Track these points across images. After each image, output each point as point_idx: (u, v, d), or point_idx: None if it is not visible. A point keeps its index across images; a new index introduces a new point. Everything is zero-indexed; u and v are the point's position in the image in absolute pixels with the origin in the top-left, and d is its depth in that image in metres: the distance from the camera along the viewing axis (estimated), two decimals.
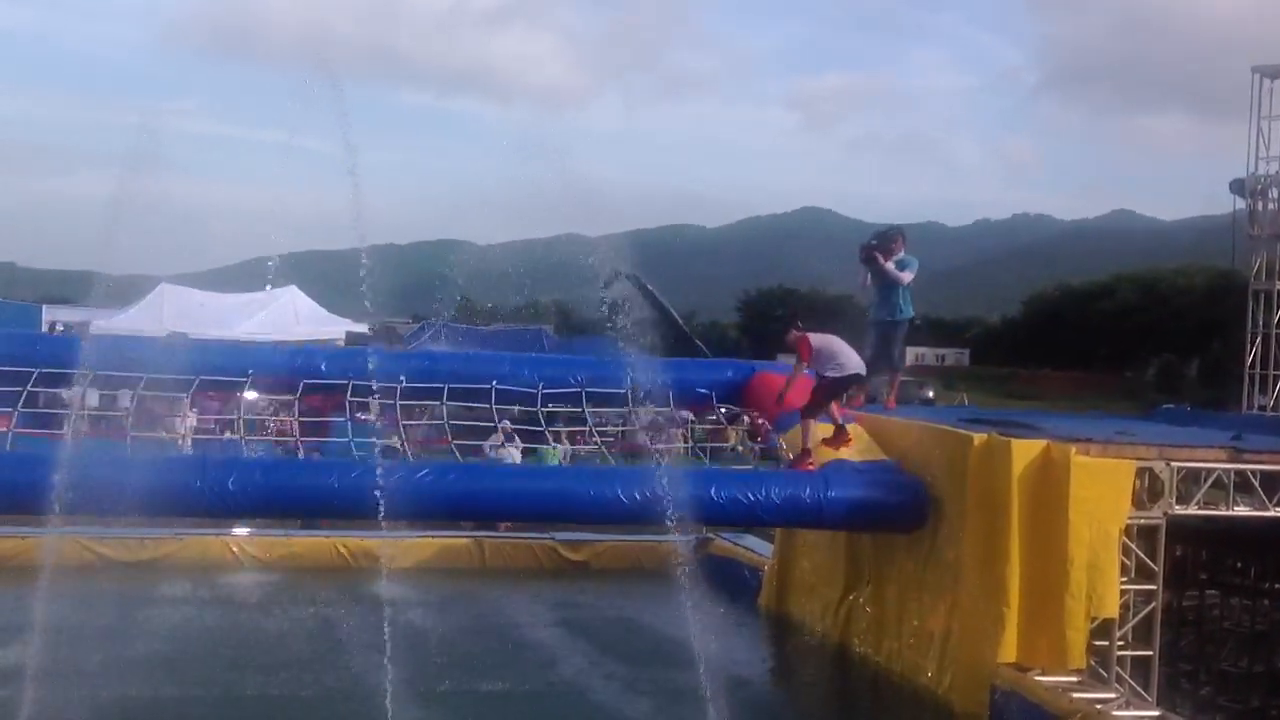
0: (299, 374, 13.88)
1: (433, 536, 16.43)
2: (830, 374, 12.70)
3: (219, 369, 13.14)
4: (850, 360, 12.85)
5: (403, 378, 14.24)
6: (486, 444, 20.83)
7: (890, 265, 13.86)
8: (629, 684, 12.16)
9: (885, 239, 14.18)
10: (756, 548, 15.97)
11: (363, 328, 32.35)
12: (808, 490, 11.83)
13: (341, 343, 31.46)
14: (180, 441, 18.88)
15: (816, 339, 12.82)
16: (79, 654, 11.06)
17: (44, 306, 26.36)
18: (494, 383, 14.32)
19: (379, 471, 10.80)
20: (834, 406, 13.00)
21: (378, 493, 10.43)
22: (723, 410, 16.69)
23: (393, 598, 13.16)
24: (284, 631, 13.48)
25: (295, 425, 16.08)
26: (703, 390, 15.79)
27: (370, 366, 12.44)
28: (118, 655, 11.75)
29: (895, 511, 12.09)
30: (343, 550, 16.51)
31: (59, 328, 26.56)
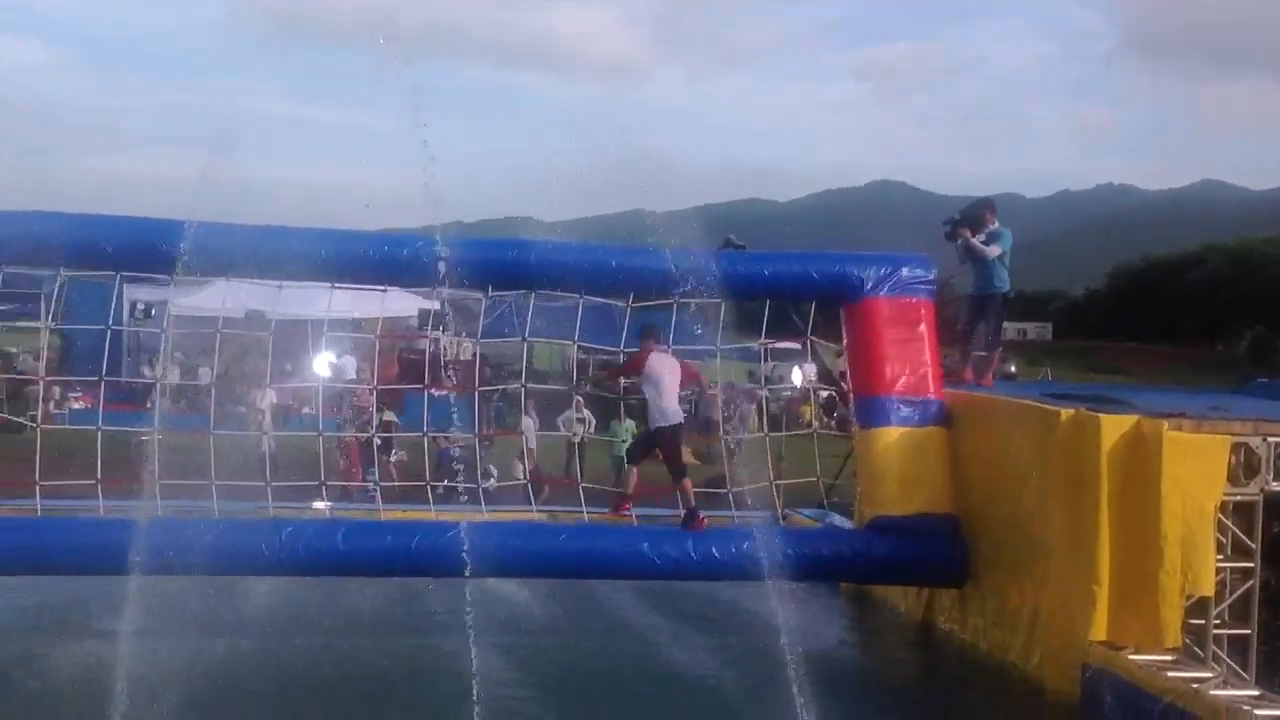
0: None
1: (507, 510, 16.36)
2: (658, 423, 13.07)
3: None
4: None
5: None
6: (560, 418, 20.84)
7: (976, 240, 13.59)
8: (712, 655, 12.17)
9: (973, 212, 13.89)
10: (837, 523, 15.74)
11: (435, 304, 32.38)
12: (849, 548, 12.74)
13: (414, 321, 31.54)
14: (260, 418, 19.10)
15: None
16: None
17: (125, 285, 26.68)
18: (575, 342, 14.14)
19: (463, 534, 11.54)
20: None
21: (464, 554, 11.10)
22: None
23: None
24: (376, 602, 13.50)
25: (372, 400, 16.18)
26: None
27: (444, 254, 12.15)
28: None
29: (935, 571, 12.79)
30: None
31: (139, 307, 26.85)
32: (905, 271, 13.43)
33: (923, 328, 13.26)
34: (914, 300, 13.34)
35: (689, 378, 13.53)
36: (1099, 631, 10.53)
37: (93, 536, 11.65)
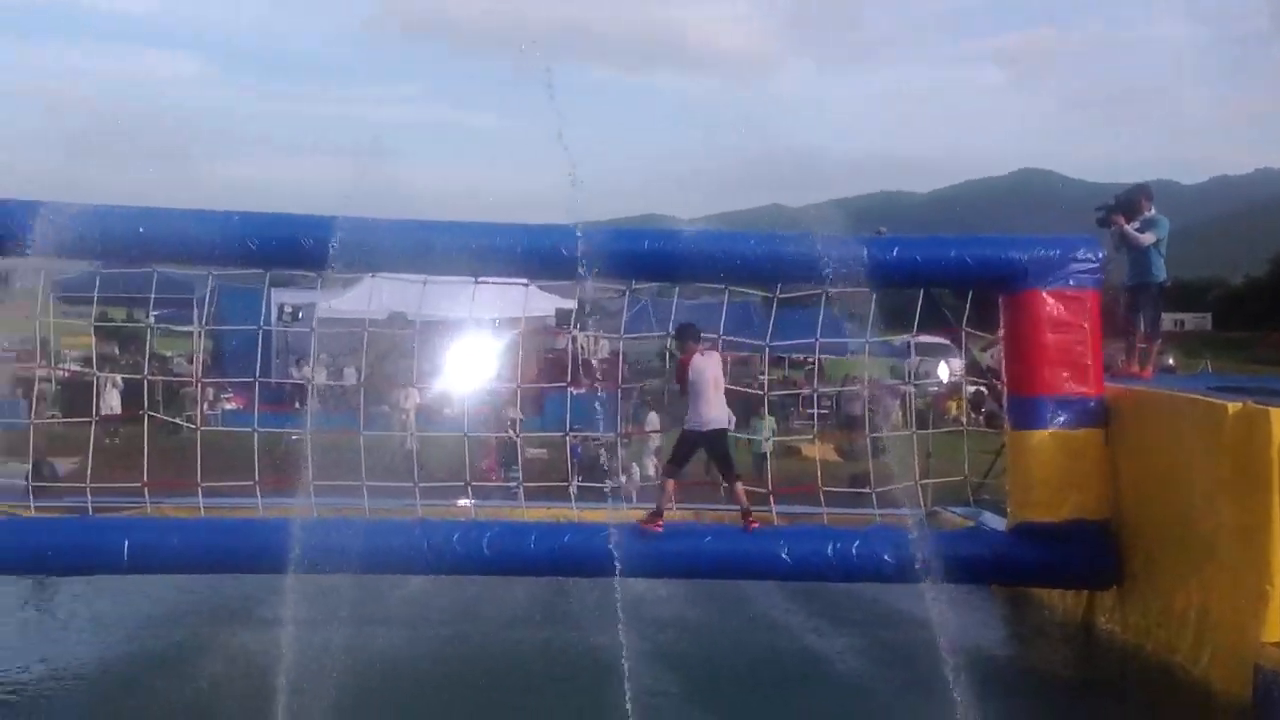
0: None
1: (644, 508, 16.29)
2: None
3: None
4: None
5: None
6: None
7: (1131, 227, 13.09)
8: (864, 655, 12.08)
9: (1128, 198, 13.42)
10: (989, 522, 15.35)
11: (572, 303, 32.53)
12: (991, 550, 12.55)
13: (552, 320, 31.71)
14: (404, 417, 19.36)
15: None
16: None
17: (271, 290, 27.34)
18: (719, 336, 13.90)
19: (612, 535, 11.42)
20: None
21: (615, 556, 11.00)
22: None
23: None
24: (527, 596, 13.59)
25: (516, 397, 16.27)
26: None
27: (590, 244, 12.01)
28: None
29: (1082, 576, 12.58)
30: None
31: (286, 310, 27.51)
32: (1073, 256, 12.48)
33: (1089, 322, 12.47)
34: (1081, 292, 12.46)
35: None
36: (1273, 632, 10.04)
37: (252, 537, 11.92)
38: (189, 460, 12.98)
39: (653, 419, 18.42)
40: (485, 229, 12.66)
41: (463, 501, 13.51)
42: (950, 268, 12.80)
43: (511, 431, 17.53)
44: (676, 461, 12.68)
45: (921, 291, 13.45)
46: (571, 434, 14.83)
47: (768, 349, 14.10)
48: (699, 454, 12.84)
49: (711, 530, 12.87)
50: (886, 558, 12.05)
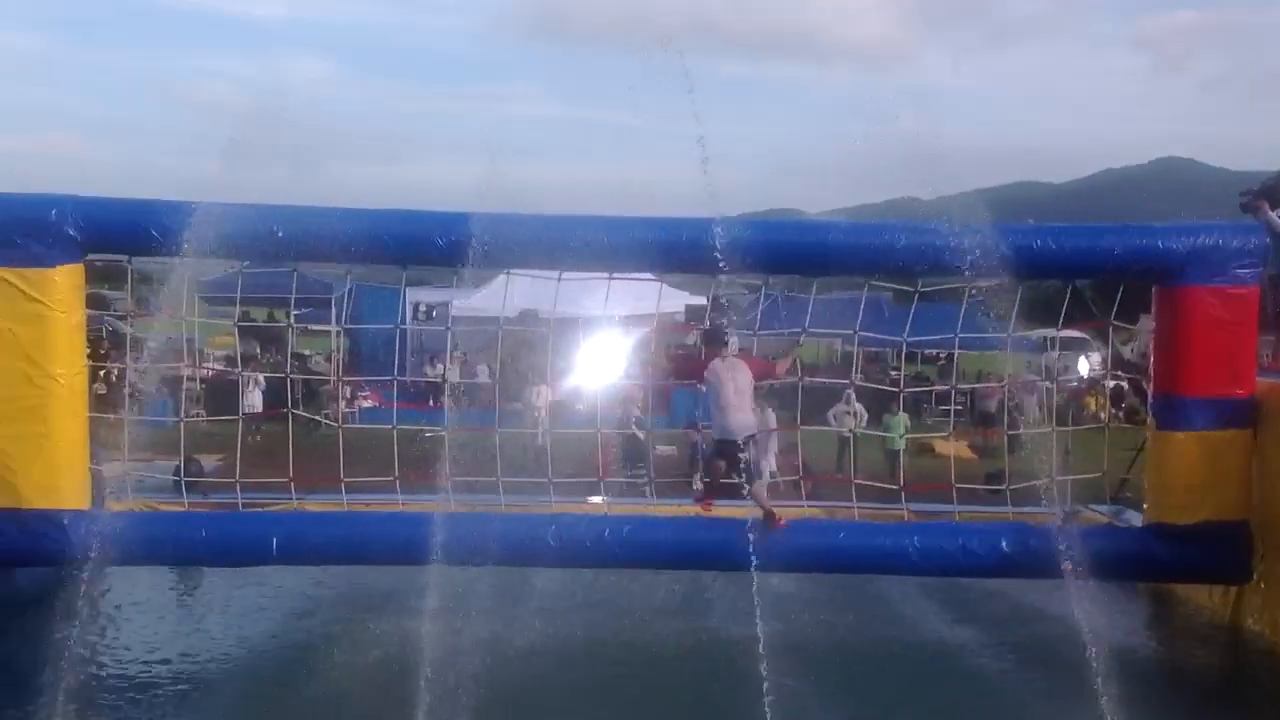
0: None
1: (783, 507, 16.20)
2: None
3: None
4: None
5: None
6: (830, 412, 20.58)
7: (1276, 214, 12.62)
8: (1004, 650, 12.06)
9: (1274, 184, 12.92)
10: (1131, 520, 14.96)
11: (701, 300, 32.59)
12: (1119, 547, 12.26)
13: (681, 316, 31.77)
14: (537, 414, 19.56)
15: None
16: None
17: (407, 289, 27.99)
18: (855, 332, 13.72)
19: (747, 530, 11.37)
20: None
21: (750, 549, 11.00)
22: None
23: None
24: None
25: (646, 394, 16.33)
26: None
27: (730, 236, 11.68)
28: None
29: (1212, 574, 12.48)
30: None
31: (421, 308, 28.05)
32: (1235, 247, 11.81)
33: (1247, 320, 11.91)
34: (1241, 289, 11.80)
35: (762, 374, 12.75)
36: None
37: (395, 529, 12.13)
38: (328, 457, 13.30)
39: (770, 417, 18.31)
40: (621, 222, 12.55)
41: (595, 499, 13.61)
42: (1104, 259, 12.19)
43: (636, 428, 17.62)
44: (713, 483, 12.43)
45: (1069, 284, 13.09)
46: (691, 430, 14.81)
47: (904, 344, 13.87)
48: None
49: (844, 526, 12.81)
50: (1014, 552, 11.94)
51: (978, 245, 11.60)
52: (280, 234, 11.92)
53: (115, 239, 12.13)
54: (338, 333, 16.17)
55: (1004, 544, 12.05)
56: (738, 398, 11.93)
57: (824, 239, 12.65)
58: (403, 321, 19.25)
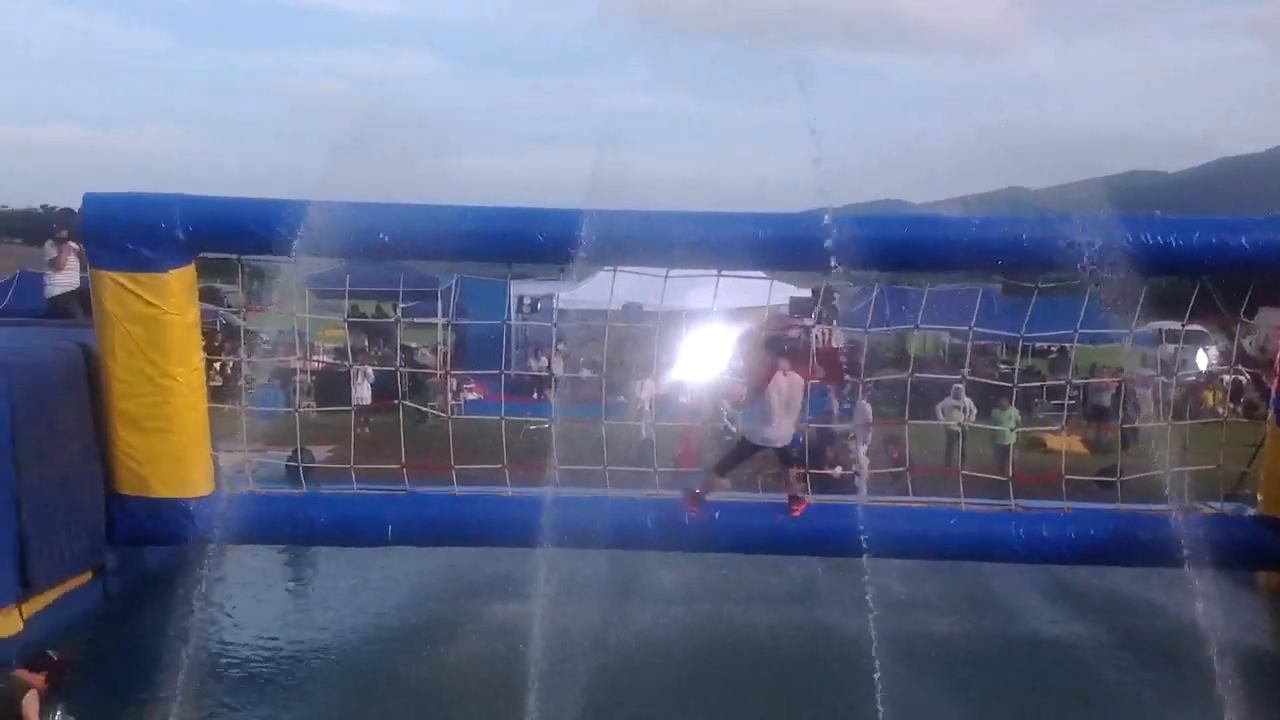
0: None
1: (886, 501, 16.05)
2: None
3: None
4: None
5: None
6: (939, 406, 20.28)
7: None
8: (1125, 650, 11.97)
9: None
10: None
11: (805, 292, 32.33)
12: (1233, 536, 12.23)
13: (785, 309, 31.56)
14: (641, 407, 19.57)
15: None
16: None
17: (510, 282, 28.23)
18: (970, 328, 13.51)
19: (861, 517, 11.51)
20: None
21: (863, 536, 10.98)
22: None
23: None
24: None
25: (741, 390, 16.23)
26: None
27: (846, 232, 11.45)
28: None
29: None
30: None
31: (525, 302, 28.25)
32: None
33: None
34: None
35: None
36: None
37: (505, 512, 12.36)
38: (435, 449, 13.48)
39: (865, 410, 18.14)
40: (730, 219, 12.43)
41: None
42: (1234, 255, 11.77)
43: (729, 422, 17.54)
44: (725, 466, 12.63)
45: (1197, 280, 12.70)
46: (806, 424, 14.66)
47: (1021, 339, 13.63)
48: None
49: (955, 514, 12.76)
50: (1123, 540, 12.02)
51: (1104, 241, 11.24)
52: (386, 234, 12.02)
53: (225, 239, 12.34)
54: (443, 326, 16.29)
55: (1112, 532, 12.06)
56: (785, 413, 12.14)
57: (944, 234, 12.30)
58: (509, 315, 19.43)
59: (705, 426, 17.98)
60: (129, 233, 11.67)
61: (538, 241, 12.13)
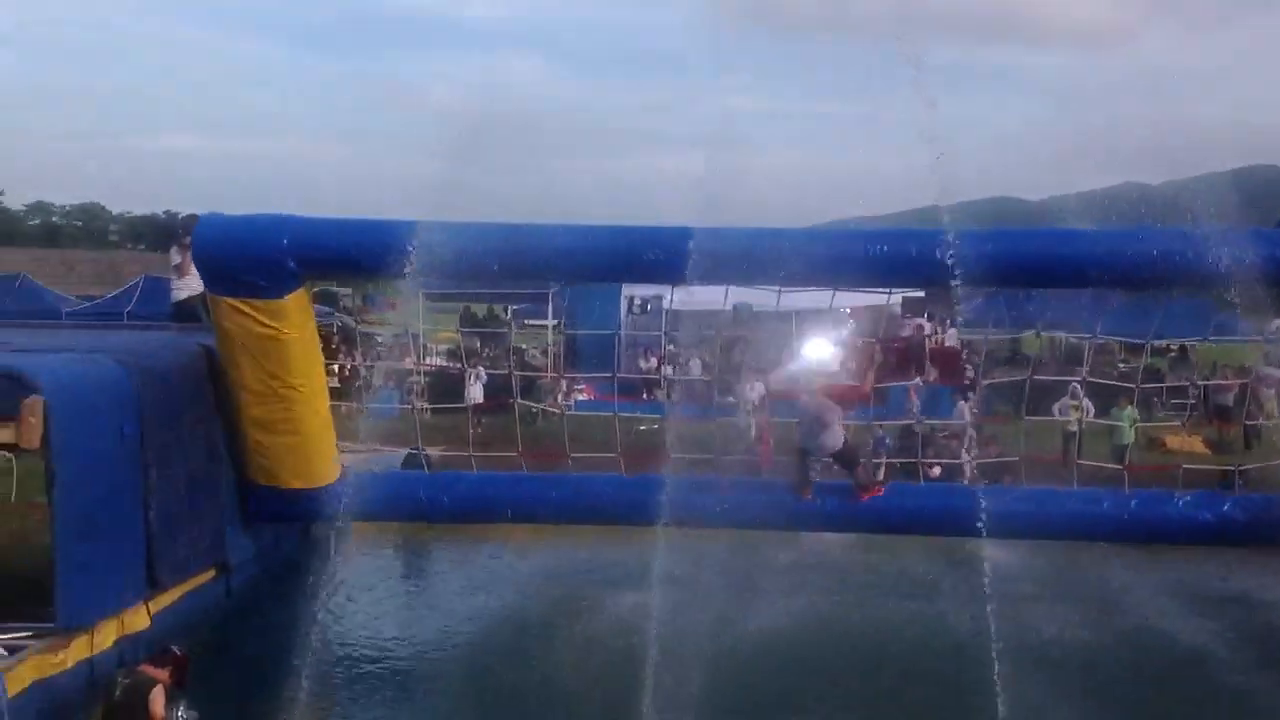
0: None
1: None
2: None
3: None
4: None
5: None
6: (1055, 405, 19.92)
7: None
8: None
9: None
10: None
11: (919, 292, 31.94)
12: None
13: (897, 308, 31.25)
14: (749, 408, 19.54)
15: None
16: None
17: (622, 283, 28.41)
18: (1096, 335, 13.29)
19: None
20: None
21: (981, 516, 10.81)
22: None
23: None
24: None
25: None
26: None
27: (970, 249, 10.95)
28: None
29: None
30: None
31: (635, 303, 28.40)
32: None
33: None
34: None
35: (845, 395, 12.79)
36: None
37: (624, 492, 12.62)
38: (545, 447, 13.64)
39: (962, 409, 17.91)
40: (843, 236, 12.29)
41: None
42: None
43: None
44: (802, 480, 12.57)
45: None
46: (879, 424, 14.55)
47: (1150, 343, 13.35)
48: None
49: (1070, 494, 12.77)
50: (1234, 518, 11.93)
51: (1239, 255, 10.79)
52: (496, 260, 12.07)
53: (335, 265, 12.55)
54: (554, 327, 16.48)
55: (1225, 510, 11.93)
56: (823, 425, 12.29)
57: (1073, 251, 11.71)
58: (618, 317, 19.53)
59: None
60: (242, 263, 11.65)
61: (646, 259, 11.97)
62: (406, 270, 11.13)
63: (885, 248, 11.65)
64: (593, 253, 12.13)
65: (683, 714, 9.05)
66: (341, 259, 12.19)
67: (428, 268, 11.23)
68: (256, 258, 11.67)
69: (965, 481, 14.55)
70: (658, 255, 11.77)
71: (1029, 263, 11.75)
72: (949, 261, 10.79)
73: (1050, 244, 11.85)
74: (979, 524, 10.74)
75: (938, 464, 16.03)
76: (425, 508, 13.18)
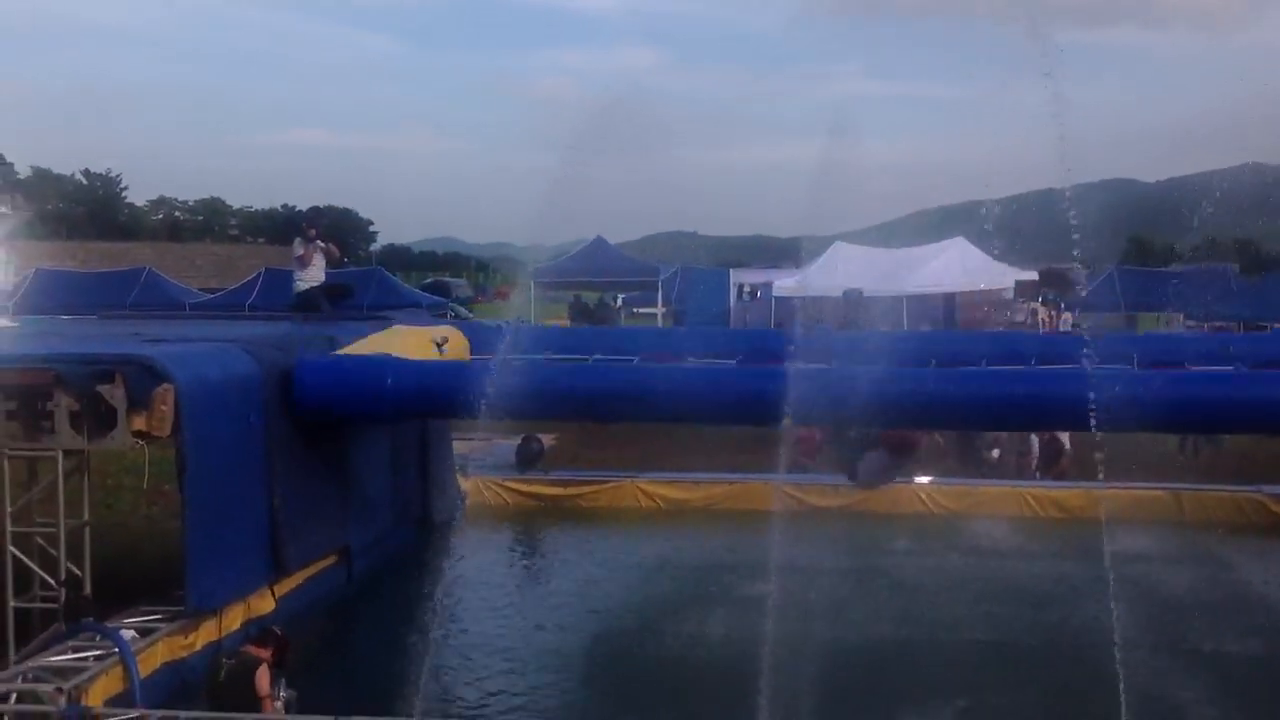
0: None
1: (1123, 489, 15.52)
2: None
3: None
4: None
5: None
6: None
7: None
8: None
9: None
10: None
11: (1032, 274, 31.36)
12: None
13: (1009, 293, 30.72)
14: None
15: None
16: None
17: (730, 270, 28.37)
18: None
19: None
20: None
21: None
22: None
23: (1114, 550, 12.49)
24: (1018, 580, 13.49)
25: None
26: None
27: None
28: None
29: None
30: (1031, 500, 16.21)
31: (745, 290, 28.36)
32: None
33: None
34: None
35: None
36: None
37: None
38: (651, 432, 13.62)
39: None
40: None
41: None
42: None
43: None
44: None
45: None
46: None
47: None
48: None
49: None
50: None
51: None
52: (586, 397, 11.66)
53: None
54: (664, 313, 16.55)
55: None
56: None
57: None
58: (726, 302, 19.51)
59: None
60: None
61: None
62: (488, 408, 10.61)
63: None
64: (691, 397, 11.30)
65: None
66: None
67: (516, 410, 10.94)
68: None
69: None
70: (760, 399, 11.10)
71: None
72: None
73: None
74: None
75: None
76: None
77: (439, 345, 13.24)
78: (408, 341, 13.08)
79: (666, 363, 12.69)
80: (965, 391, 11.35)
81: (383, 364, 11.81)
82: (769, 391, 10.61)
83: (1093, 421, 9.69)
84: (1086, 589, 11.90)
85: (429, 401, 11.81)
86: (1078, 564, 13.01)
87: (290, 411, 11.04)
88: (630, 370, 12.36)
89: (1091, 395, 9.69)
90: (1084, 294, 15.95)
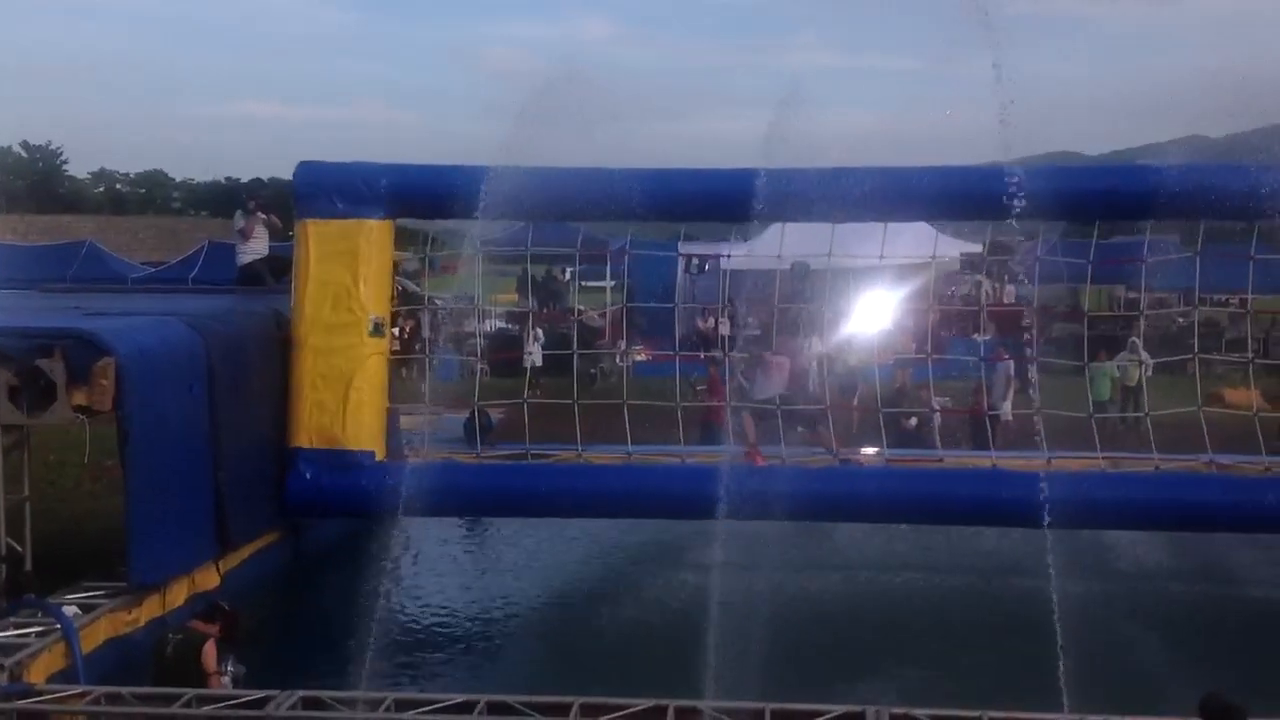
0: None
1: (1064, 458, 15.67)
2: None
3: None
4: None
5: None
6: (1114, 361, 19.77)
7: None
8: None
9: None
10: None
11: (976, 247, 31.60)
12: None
13: (955, 266, 30.94)
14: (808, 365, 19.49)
15: None
16: None
17: (679, 243, 28.37)
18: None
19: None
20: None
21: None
22: None
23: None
24: None
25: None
26: None
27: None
28: None
29: None
30: None
31: (693, 263, 28.36)
32: None
33: None
34: None
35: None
36: None
37: (673, 483, 12.36)
38: (606, 409, 13.67)
39: (1009, 365, 17.90)
40: (906, 174, 12.59)
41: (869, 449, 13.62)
42: None
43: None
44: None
45: None
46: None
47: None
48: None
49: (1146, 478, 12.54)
50: None
51: None
52: (575, 194, 12.34)
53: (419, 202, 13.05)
54: (612, 288, 16.57)
55: None
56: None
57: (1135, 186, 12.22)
58: (673, 278, 19.51)
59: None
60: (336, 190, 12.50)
61: (718, 200, 12.42)
62: (482, 205, 11.53)
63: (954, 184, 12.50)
64: (662, 194, 12.47)
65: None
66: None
67: (503, 206, 11.60)
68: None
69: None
70: (729, 195, 12.13)
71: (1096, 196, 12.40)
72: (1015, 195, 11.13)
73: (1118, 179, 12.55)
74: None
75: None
76: (463, 502, 12.85)
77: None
78: None
79: None
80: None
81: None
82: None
83: None
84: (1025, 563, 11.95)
85: None
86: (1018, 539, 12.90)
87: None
88: None
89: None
90: (1026, 267, 16.11)
